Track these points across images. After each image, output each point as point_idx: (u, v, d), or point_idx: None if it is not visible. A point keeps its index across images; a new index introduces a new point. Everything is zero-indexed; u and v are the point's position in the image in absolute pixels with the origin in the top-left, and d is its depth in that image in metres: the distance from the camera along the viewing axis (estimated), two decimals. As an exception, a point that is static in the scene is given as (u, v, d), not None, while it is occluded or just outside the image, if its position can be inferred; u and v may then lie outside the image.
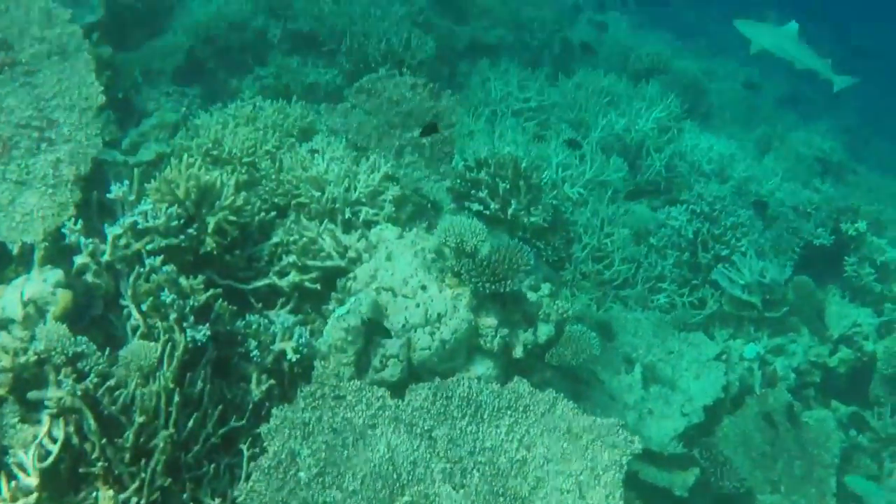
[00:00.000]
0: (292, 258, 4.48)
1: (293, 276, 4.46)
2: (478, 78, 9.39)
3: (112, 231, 4.13)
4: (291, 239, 4.63)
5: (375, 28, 7.87)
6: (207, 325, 3.84)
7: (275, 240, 4.66)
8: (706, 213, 7.61)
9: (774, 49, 9.00)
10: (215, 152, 4.89)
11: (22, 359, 3.41)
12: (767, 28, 9.32)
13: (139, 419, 3.34)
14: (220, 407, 3.70)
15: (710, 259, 7.56)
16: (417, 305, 4.16)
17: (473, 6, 10.55)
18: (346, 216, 4.74)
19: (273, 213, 4.69)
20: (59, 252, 4.02)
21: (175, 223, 4.15)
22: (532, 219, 5.51)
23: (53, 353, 3.44)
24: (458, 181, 5.49)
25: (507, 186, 5.41)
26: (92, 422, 3.31)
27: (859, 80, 9.17)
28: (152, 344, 3.66)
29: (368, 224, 4.81)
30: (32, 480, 3.19)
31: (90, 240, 4.07)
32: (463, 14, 10.51)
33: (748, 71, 14.04)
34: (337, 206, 4.74)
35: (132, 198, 4.23)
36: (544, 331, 4.48)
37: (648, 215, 8.01)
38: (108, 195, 4.19)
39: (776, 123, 11.92)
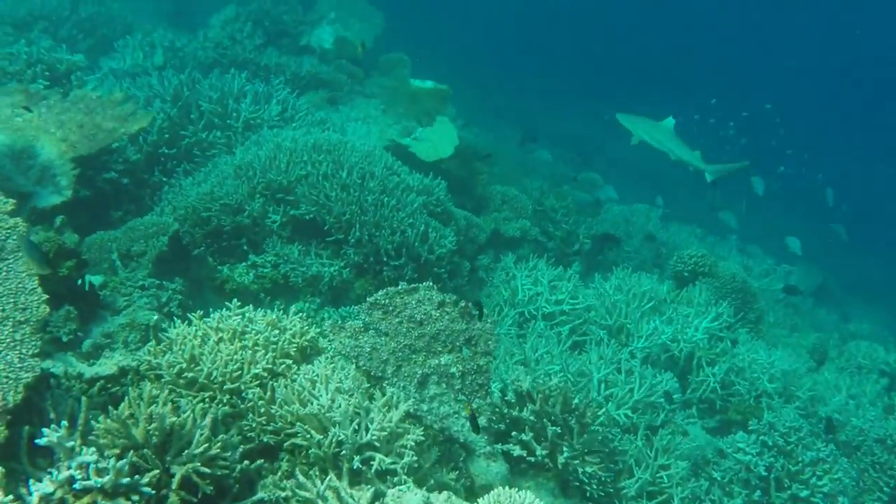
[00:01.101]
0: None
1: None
2: (502, 275, 8.67)
3: (39, 489, 3.13)
4: (282, 496, 3.59)
5: (389, 218, 7.16)
6: None
7: (261, 495, 3.62)
8: (780, 446, 6.57)
9: (651, 141, 9.67)
10: (190, 374, 3.94)
11: None
12: (646, 122, 9.95)
13: None
14: None
15: (785, 500, 6.48)
16: None
17: (493, 195, 10.06)
18: (355, 465, 3.72)
19: (259, 461, 3.67)
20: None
21: (126, 480, 3.14)
22: (588, 469, 4.47)
23: None
24: (495, 417, 4.51)
25: (558, 430, 4.41)
26: None
27: (746, 163, 10.03)
28: None
29: (383, 476, 3.79)
30: None
31: (7, 498, 3.07)
32: (483, 203, 9.98)
33: (784, 270, 13.59)
34: (343, 451, 3.74)
35: (72, 443, 3.24)
36: None
37: (706, 441, 7.01)
38: (38, 440, 3.20)
39: (824, 327, 11.23)
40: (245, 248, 7.12)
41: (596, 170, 15.19)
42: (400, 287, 4.57)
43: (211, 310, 4.47)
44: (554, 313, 8.37)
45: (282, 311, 4.77)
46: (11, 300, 3.28)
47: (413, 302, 4.55)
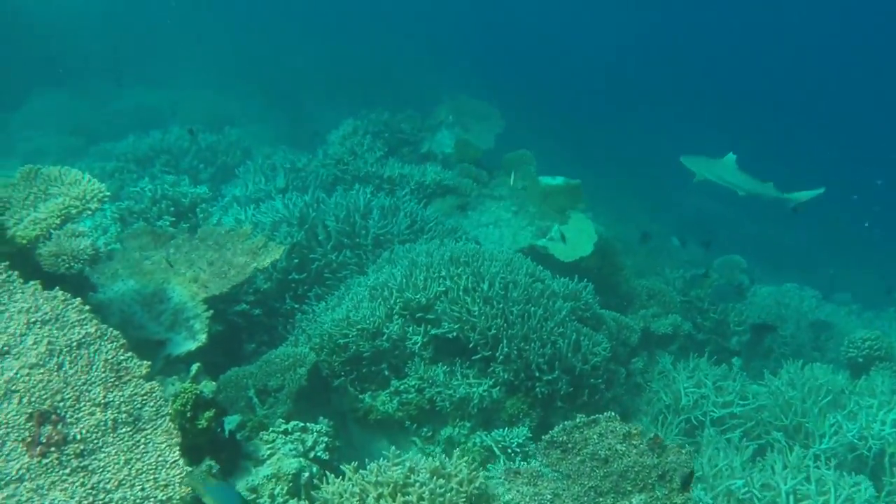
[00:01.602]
0: None
1: None
2: (661, 379, 7.95)
3: None
4: None
5: (537, 329, 6.61)
6: None
7: None
8: None
9: (716, 179, 9.88)
10: (350, 543, 3.42)
11: None
12: (708, 161, 10.14)
13: None
14: None
15: None
16: None
17: (638, 290, 9.43)
18: None
19: None
20: None
21: None
22: None
23: None
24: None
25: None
26: None
27: (822, 190, 9.66)
28: None
29: None
30: None
31: None
32: (628, 299, 9.35)
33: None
34: None
35: None
36: None
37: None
38: None
39: None
40: (386, 373, 6.68)
41: (721, 249, 14.47)
42: (578, 420, 3.99)
43: (367, 461, 3.97)
44: (723, 417, 7.57)
45: (441, 451, 4.24)
46: (151, 477, 2.88)
47: (594, 436, 3.95)
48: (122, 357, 3.00)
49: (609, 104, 30.36)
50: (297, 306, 7.66)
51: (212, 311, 5.62)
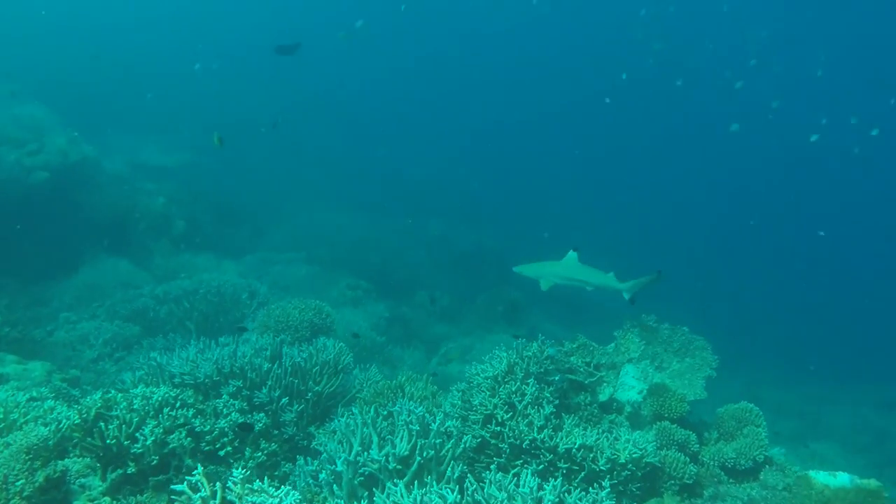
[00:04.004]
0: None
1: None
2: None
3: None
4: None
5: None
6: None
7: None
8: None
9: (562, 280, 10.40)
10: None
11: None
12: (550, 265, 10.59)
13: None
14: None
15: None
16: None
17: None
18: None
19: None
20: None
21: None
22: None
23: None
24: None
25: None
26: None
27: (657, 273, 9.97)
28: None
29: None
30: None
31: None
32: None
33: None
34: None
35: None
36: None
37: None
38: None
39: None
40: None
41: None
42: None
43: None
44: None
45: None
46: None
47: None
48: None
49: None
50: None
51: None
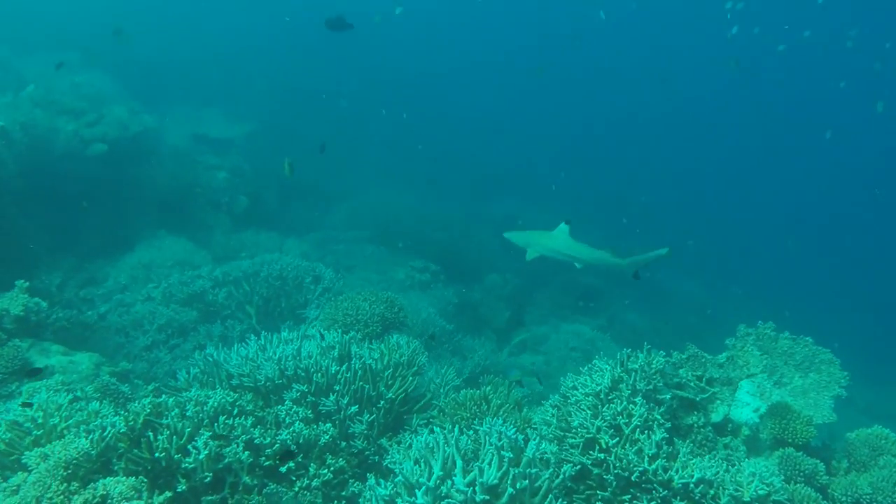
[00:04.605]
0: None
1: None
2: None
3: None
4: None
5: None
6: None
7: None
8: None
9: (550, 253, 10.27)
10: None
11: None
12: (538, 234, 10.54)
13: None
14: None
15: None
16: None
17: None
18: None
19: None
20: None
21: None
22: None
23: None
24: None
25: None
26: None
27: (665, 250, 9.72)
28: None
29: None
30: None
31: None
32: None
33: None
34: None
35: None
36: None
37: None
38: None
39: None
40: None
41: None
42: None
43: None
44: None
45: None
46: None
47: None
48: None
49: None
50: None
51: None
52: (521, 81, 44.27)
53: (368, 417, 7.83)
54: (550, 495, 6.11)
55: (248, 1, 40.05)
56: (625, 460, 6.47)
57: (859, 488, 7.32)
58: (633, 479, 6.39)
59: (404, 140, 29.05)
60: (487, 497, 5.98)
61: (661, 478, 6.35)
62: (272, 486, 6.95)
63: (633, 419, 6.73)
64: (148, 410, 6.98)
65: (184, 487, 6.62)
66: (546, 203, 29.69)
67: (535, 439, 6.61)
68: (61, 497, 5.74)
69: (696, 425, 7.49)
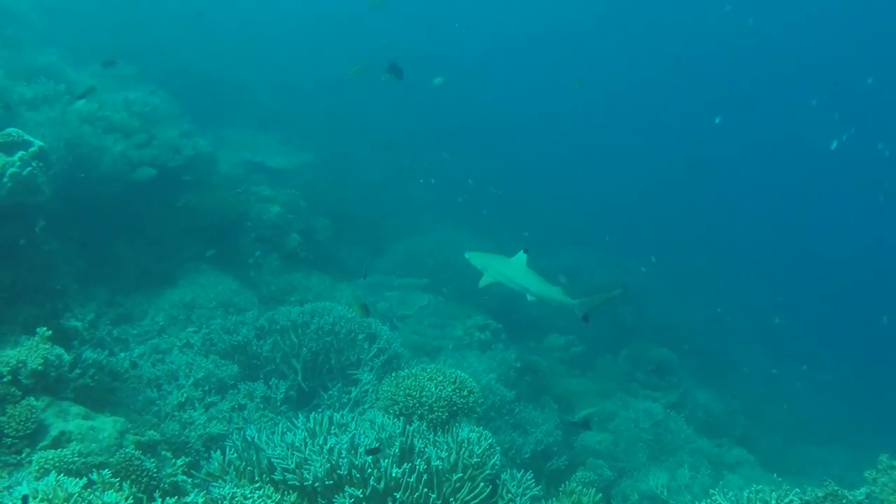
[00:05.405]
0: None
1: None
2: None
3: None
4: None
5: None
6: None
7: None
8: None
9: (505, 280, 10.23)
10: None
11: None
12: (498, 259, 10.51)
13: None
14: None
15: None
16: None
17: None
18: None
19: None
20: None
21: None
22: None
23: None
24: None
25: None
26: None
27: (618, 291, 10.14)
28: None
29: None
30: None
31: None
32: None
33: None
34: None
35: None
36: None
37: None
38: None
39: None
40: None
41: None
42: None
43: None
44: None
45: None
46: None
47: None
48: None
49: None
50: None
51: None
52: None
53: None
54: None
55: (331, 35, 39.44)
56: None
57: None
58: None
59: (470, 182, 27.87)
60: None
61: None
62: None
63: None
64: (172, 521, 5.84)
65: None
66: (612, 253, 28.50)
67: None
68: None
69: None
